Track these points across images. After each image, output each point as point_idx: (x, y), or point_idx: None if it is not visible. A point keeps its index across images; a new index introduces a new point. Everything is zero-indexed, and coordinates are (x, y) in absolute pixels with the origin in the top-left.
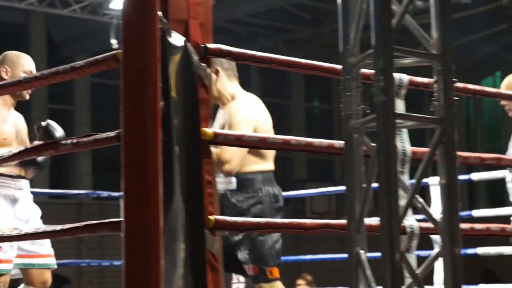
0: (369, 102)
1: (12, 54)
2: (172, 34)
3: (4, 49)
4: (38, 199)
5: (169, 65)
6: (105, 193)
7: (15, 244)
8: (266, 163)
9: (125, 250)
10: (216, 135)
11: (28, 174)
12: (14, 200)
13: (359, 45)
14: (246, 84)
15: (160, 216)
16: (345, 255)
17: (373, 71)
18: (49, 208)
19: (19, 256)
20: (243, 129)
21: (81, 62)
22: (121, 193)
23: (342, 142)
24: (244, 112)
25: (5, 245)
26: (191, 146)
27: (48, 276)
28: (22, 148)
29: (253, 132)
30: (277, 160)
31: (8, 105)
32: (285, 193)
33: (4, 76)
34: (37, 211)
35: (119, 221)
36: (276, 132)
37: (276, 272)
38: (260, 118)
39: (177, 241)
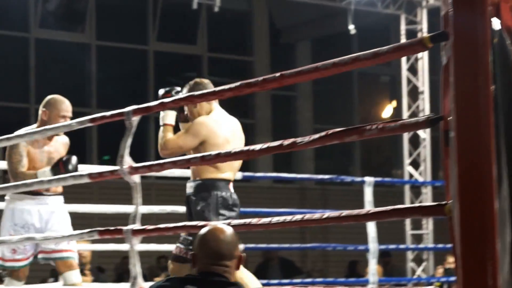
0: None
1: (54, 99)
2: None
3: (229, 36)
4: (262, 183)
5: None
6: (348, 178)
7: (28, 246)
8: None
9: (460, 233)
10: None
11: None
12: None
13: None
14: None
15: (495, 199)
16: None
17: None
18: (273, 192)
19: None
20: None
21: (384, 48)
22: (364, 178)
23: None
24: None
25: (19, 248)
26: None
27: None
28: (322, 134)
29: None
30: None
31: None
32: None
33: (44, 118)
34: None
35: (431, 206)
36: None
37: None
38: None
39: (506, 226)
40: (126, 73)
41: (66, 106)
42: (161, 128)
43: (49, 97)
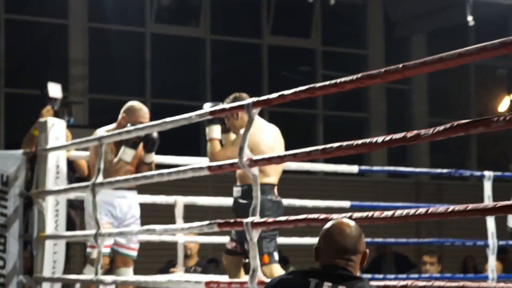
0: None
1: (133, 106)
2: None
3: (343, 29)
4: (376, 177)
5: None
6: (467, 172)
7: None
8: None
9: None
10: None
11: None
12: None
13: None
14: None
15: None
16: None
17: None
18: (387, 187)
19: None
20: None
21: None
22: (483, 172)
23: None
24: None
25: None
26: None
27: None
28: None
29: None
30: None
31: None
32: None
33: (122, 122)
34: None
35: None
36: None
37: None
38: None
39: None
40: (240, 67)
41: (143, 113)
42: (208, 143)
43: (129, 103)
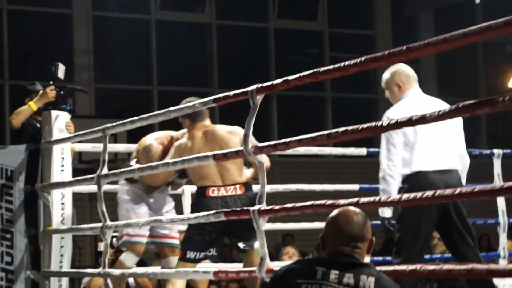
0: None
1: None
2: None
3: (350, 11)
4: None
5: None
6: (476, 151)
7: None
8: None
9: None
10: None
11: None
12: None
13: None
14: None
15: None
16: None
17: None
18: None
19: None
20: None
21: None
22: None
23: None
24: None
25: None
26: None
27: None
28: None
29: None
30: None
31: None
32: None
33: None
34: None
35: None
36: None
37: None
38: None
39: None
40: (247, 52)
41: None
42: None
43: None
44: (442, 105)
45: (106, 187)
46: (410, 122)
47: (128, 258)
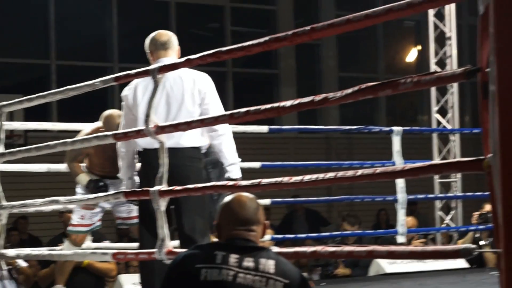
0: None
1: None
2: None
3: None
4: (287, 134)
5: None
6: (376, 128)
7: (96, 216)
8: None
9: (502, 187)
10: None
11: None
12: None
13: None
14: None
15: None
16: None
17: None
18: (298, 142)
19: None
20: None
21: None
22: (392, 128)
23: None
24: None
25: (87, 214)
26: None
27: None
28: None
29: None
30: None
31: None
32: None
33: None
34: None
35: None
36: None
37: None
38: None
39: None
40: (148, 26)
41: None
42: None
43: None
44: (186, 78)
45: (2, 166)
46: (313, 103)
47: (66, 247)
